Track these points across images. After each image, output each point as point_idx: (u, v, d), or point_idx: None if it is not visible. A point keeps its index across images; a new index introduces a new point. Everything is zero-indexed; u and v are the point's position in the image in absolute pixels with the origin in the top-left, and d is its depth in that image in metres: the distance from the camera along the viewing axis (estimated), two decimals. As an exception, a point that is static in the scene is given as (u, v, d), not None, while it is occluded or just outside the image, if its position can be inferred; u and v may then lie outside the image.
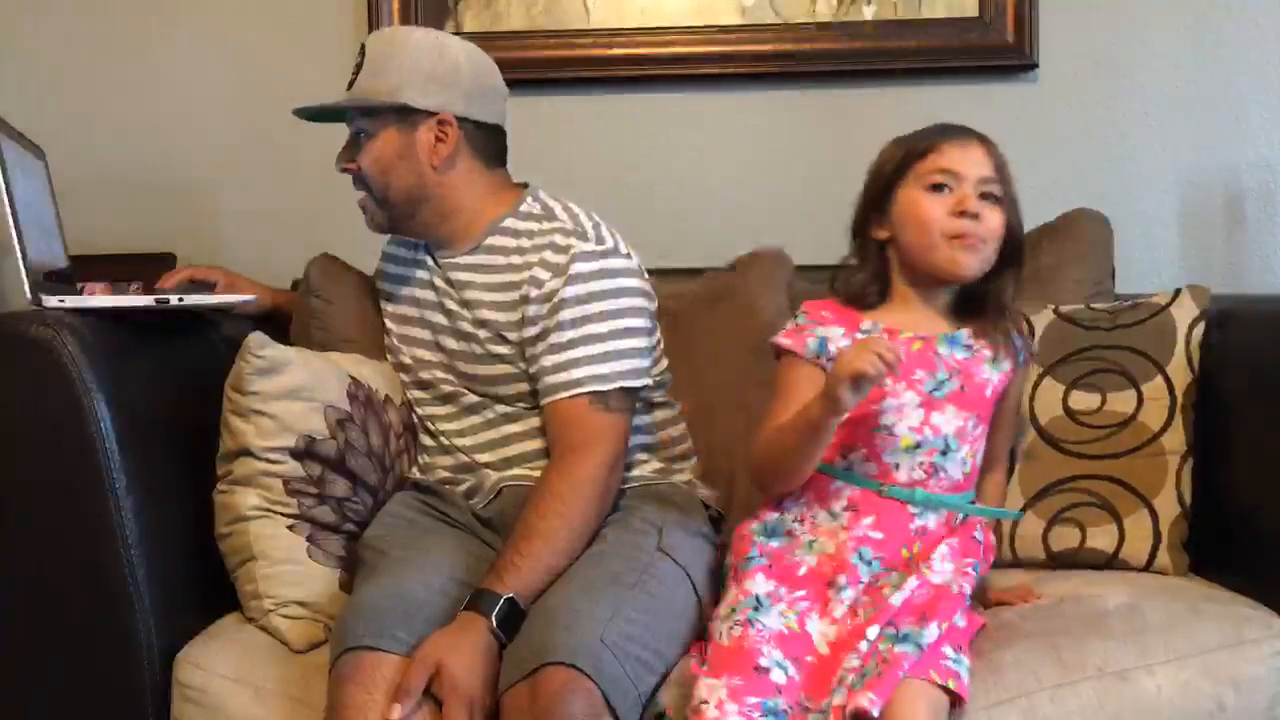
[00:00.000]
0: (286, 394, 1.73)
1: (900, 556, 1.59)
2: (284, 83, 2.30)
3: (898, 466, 1.62)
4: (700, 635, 1.61)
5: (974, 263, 1.63)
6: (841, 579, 1.56)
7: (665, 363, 1.89)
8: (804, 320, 1.68)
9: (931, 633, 1.47)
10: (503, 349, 1.78)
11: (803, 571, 1.58)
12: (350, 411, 1.79)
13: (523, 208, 1.81)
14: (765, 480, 1.67)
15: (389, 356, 1.93)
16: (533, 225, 1.79)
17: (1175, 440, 1.82)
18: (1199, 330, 1.85)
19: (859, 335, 1.65)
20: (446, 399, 1.85)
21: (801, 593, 1.55)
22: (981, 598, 1.67)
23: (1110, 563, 1.81)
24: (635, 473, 1.81)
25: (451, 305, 1.82)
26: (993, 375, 1.67)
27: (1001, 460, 1.79)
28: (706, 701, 1.43)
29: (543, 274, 1.74)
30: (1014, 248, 1.66)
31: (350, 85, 1.80)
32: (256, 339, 1.72)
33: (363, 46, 1.82)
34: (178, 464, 1.74)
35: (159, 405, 1.72)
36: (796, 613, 1.53)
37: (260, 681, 1.63)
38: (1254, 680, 1.54)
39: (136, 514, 1.62)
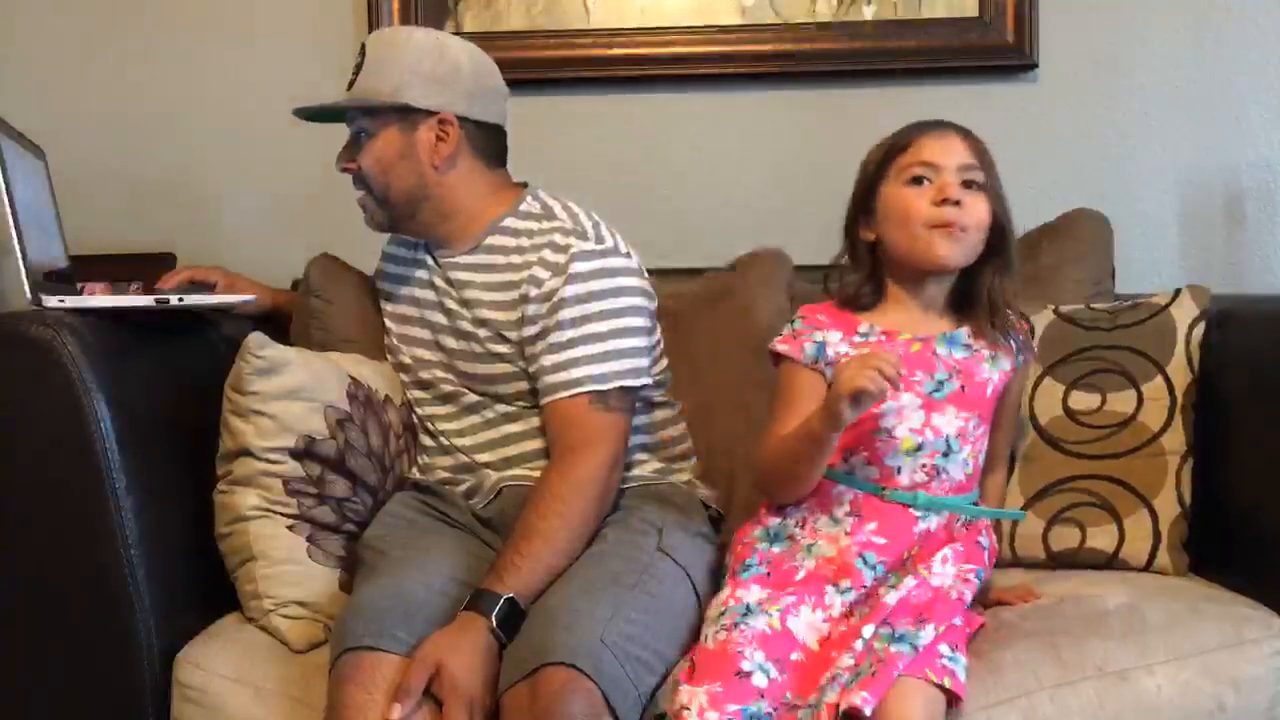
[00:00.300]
0: (286, 394, 1.73)
1: (903, 560, 1.59)
2: (284, 83, 2.31)
3: (899, 469, 1.62)
4: (699, 636, 1.60)
5: (956, 251, 1.62)
6: (845, 582, 1.56)
7: (665, 362, 1.89)
8: (800, 325, 1.68)
9: (928, 634, 1.47)
10: (502, 348, 1.78)
11: (800, 576, 1.57)
12: (350, 412, 1.79)
13: (522, 207, 1.82)
14: (771, 490, 1.67)
15: (389, 356, 1.93)
16: (532, 225, 1.79)
17: (1175, 440, 1.82)
18: (1199, 330, 1.85)
19: (856, 338, 1.65)
20: (446, 399, 1.85)
21: (791, 594, 1.55)
22: (981, 598, 1.67)
23: (1110, 563, 1.81)
24: (635, 472, 1.81)
25: (451, 305, 1.82)
26: (993, 374, 1.67)
27: (1002, 460, 1.79)
28: (688, 708, 1.43)
29: (542, 273, 1.74)
30: (999, 236, 1.64)
31: (350, 85, 1.80)
32: (256, 339, 1.72)
33: (363, 46, 1.82)
34: (178, 464, 1.74)
35: (159, 405, 1.72)
36: (779, 609, 1.53)
37: (260, 681, 1.63)
38: (1254, 680, 1.54)
39: (136, 514, 1.62)
